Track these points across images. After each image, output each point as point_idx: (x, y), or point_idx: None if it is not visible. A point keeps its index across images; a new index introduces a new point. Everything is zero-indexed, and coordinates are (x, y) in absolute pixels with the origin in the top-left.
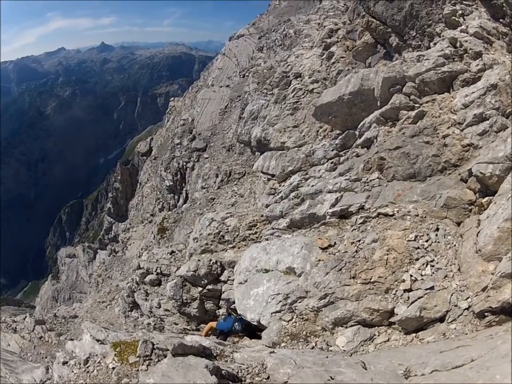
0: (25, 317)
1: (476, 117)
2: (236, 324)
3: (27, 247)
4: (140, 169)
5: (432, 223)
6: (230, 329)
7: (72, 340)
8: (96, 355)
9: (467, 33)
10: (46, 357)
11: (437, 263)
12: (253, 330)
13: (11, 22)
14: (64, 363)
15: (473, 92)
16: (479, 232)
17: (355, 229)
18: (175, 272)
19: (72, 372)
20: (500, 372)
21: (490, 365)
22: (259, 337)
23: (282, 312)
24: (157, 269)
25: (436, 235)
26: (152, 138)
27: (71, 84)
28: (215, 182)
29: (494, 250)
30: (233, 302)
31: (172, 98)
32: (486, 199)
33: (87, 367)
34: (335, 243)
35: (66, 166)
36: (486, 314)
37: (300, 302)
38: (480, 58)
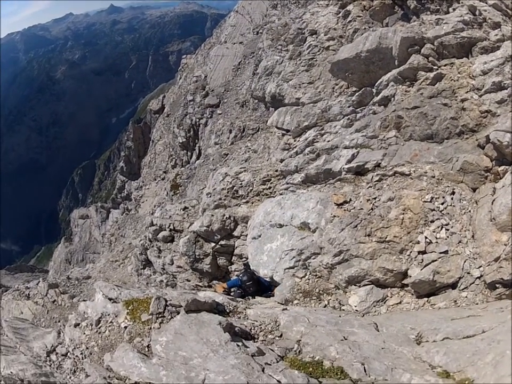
0: (39, 281)
1: (495, 85)
2: (241, 275)
3: (40, 211)
4: (152, 127)
5: (448, 186)
6: (238, 283)
7: (85, 301)
8: (108, 314)
9: (486, 3)
10: (59, 321)
11: (452, 227)
12: (261, 288)
13: None
14: (76, 325)
15: (492, 60)
16: (494, 200)
17: (371, 186)
18: (188, 228)
19: (84, 333)
20: (511, 347)
21: (501, 339)
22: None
23: (295, 268)
24: (169, 226)
25: (452, 199)
26: (164, 96)
27: (80, 47)
28: (228, 138)
29: (508, 220)
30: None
31: (184, 56)
32: (502, 167)
33: (99, 328)
34: (350, 199)
35: (78, 128)
36: (497, 285)
37: (313, 259)
38: (499, 29)
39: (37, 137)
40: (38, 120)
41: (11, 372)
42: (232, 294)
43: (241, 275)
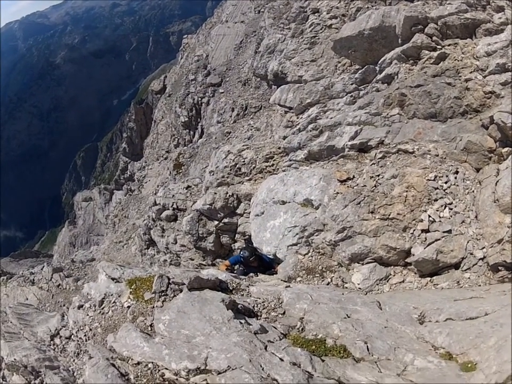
0: (43, 266)
1: (499, 67)
2: (242, 252)
3: (43, 197)
4: (154, 108)
5: (452, 165)
6: (239, 259)
7: (89, 283)
8: (112, 295)
9: None
10: (64, 305)
11: (455, 206)
12: (264, 265)
13: None
14: (80, 307)
15: (496, 42)
16: (497, 181)
17: (374, 164)
18: (191, 206)
19: (87, 315)
20: None
21: (504, 322)
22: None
23: (298, 245)
24: (173, 204)
25: (455, 178)
26: (166, 76)
27: (80, 31)
28: (231, 116)
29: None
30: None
31: (185, 36)
32: (506, 149)
33: (102, 308)
34: (353, 176)
35: (79, 112)
36: (499, 268)
37: (316, 235)
38: (503, 12)
39: (38, 123)
40: (39, 106)
41: (14, 359)
42: (235, 271)
43: (242, 252)
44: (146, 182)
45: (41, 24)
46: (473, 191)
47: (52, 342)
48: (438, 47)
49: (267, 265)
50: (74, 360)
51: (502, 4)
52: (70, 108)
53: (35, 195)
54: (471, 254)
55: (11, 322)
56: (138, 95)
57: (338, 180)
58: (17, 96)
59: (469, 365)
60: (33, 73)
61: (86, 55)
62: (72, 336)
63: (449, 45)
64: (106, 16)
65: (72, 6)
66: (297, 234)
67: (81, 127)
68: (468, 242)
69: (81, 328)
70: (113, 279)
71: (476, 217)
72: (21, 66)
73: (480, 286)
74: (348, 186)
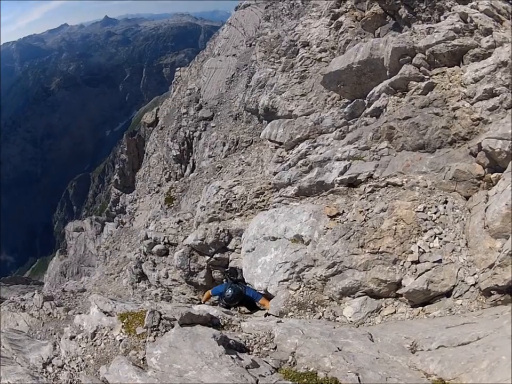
0: (34, 294)
1: (486, 92)
2: (226, 294)
3: (35, 223)
4: (146, 140)
5: (440, 195)
6: (222, 293)
7: (80, 313)
8: (104, 327)
9: (477, 9)
10: (54, 333)
11: (445, 236)
12: (246, 299)
13: (14, 2)
14: (72, 338)
15: (483, 67)
16: (487, 207)
17: (363, 198)
18: (182, 241)
19: (80, 346)
20: (506, 353)
21: (496, 345)
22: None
23: (289, 280)
24: (164, 239)
25: (444, 208)
26: (158, 108)
27: (75, 58)
28: (222, 151)
29: (501, 227)
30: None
31: (178, 68)
32: (494, 174)
33: (94, 341)
34: (343, 211)
35: (72, 140)
36: (492, 292)
37: (307, 271)
38: (491, 35)
39: (32, 148)
40: (32, 131)
41: (8, 382)
42: (227, 295)
43: (226, 294)
44: (137, 215)
45: (37, 47)
46: (463, 219)
47: (44, 369)
48: (426, 77)
49: (250, 299)
50: None
51: (489, 26)
52: (63, 135)
53: (27, 220)
54: (463, 281)
55: (3, 347)
56: (131, 126)
57: (328, 215)
58: (12, 119)
59: None
60: (28, 98)
61: (80, 83)
62: (65, 365)
63: (436, 74)
64: (101, 45)
65: (68, 32)
66: (288, 270)
67: (73, 156)
68: (458, 270)
69: (74, 358)
70: (105, 312)
71: (466, 244)
72: (17, 89)
73: (472, 311)
74: (337, 222)
